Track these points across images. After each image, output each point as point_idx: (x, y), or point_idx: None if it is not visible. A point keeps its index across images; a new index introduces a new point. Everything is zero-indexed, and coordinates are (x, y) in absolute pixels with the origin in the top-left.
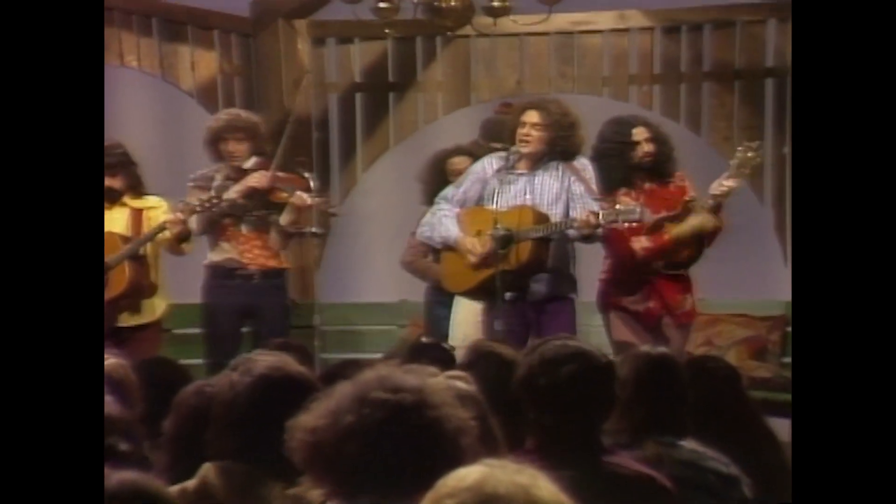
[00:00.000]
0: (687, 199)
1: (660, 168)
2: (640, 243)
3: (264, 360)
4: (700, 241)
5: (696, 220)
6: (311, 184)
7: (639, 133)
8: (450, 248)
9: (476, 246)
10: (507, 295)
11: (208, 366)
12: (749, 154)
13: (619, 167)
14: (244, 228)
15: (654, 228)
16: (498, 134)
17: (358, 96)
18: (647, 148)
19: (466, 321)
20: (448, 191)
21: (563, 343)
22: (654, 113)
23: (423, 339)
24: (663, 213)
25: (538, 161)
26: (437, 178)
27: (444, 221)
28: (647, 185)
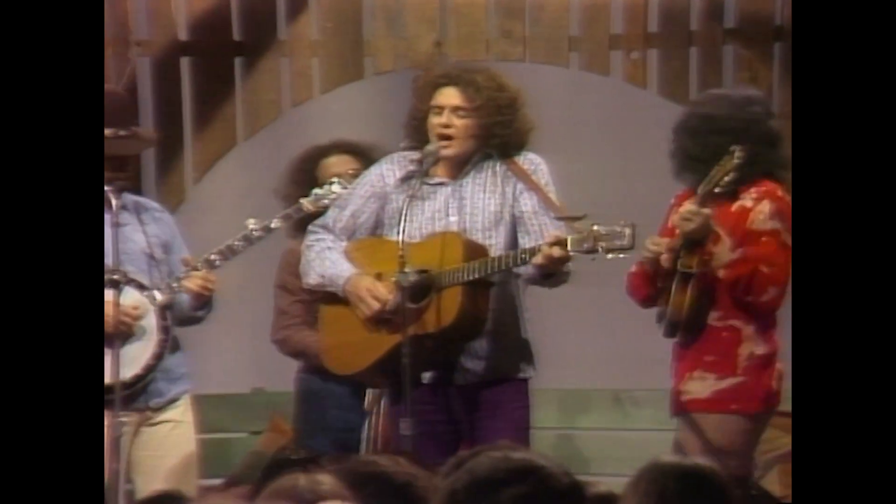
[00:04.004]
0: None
1: None
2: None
3: None
4: None
5: None
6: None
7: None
8: (333, 298)
9: (377, 284)
10: (426, 376)
11: None
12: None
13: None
14: None
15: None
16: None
17: (185, 63)
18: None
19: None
20: (328, 214)
21: (504, 455)
22: (649, 92)
23: (289, 453)
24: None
25: (464, 163)
26: (306, 191)
27: (325, 254)
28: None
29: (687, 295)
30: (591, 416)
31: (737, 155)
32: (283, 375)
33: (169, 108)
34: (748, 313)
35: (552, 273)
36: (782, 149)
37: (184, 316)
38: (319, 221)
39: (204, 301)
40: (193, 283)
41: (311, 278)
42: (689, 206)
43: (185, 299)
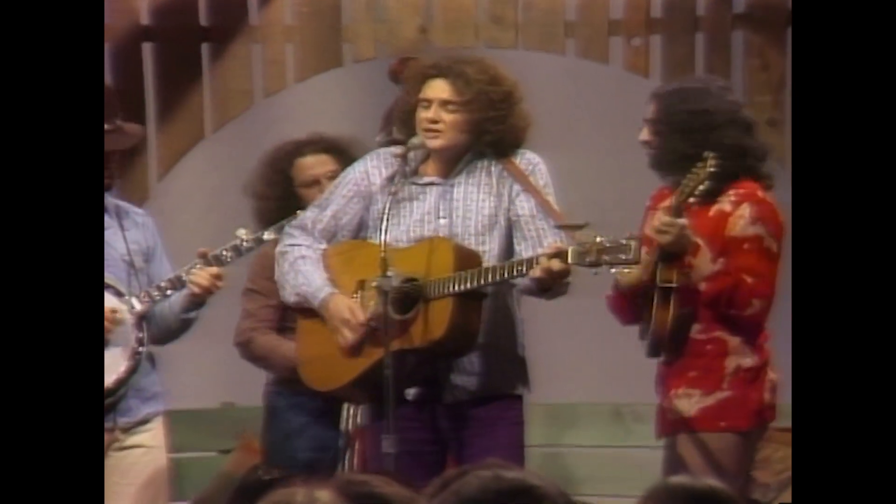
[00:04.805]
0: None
1: None
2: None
3: None
4: None
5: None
6: None
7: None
8: (308, 312)
9: (356, 312)
10: (410, 393)
11: None
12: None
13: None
14: None
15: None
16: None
17: (147, 49)
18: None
19: None
20: (306, 215)
21: (495, 475)
22: (652, 81)
23: (261, 474)
24: None
25: (456, 161)
26: (279, 190)
27: (299, 266)
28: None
29: (669, 311)
30: (590, 433)
31: (710, 163)
32: (256, 389)
33: (130, 99)
34: (733, 324)
35: (549, 286)
36: (757, 140)
37: (170, 323)
38: (297, 222)
39: (200, 301)
40: (202, 277)
41: (289, 295)
42: (663, 217)
43: (174, 301)
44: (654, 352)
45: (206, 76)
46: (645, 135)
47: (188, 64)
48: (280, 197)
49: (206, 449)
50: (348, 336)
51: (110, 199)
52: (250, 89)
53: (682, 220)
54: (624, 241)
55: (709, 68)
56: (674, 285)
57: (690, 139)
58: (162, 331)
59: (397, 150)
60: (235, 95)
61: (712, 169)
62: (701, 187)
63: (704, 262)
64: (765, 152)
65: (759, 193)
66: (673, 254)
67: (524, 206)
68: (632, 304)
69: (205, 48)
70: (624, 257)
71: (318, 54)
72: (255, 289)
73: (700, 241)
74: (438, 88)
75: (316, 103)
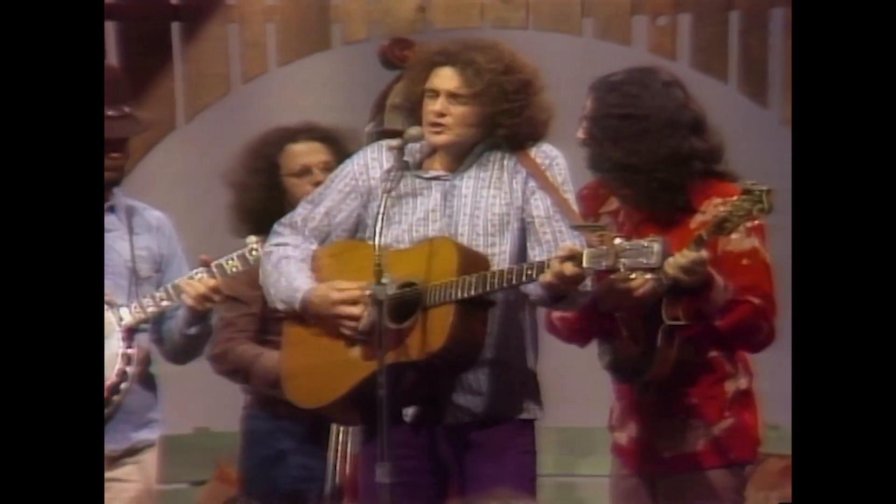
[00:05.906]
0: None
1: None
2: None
3: None
4: None
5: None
6: None
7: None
8: (297, 318)
9: (349, 292)
10: (408, 413)
11: None
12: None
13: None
14: None
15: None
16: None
17: (110, 29)
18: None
19: None
20: (297, 211)
21: None
22: (680, 65)
23: None
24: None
25: (465, 154)
26: (263, 179)
27: (282, 267)
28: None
29: (674, 351)
30: (608, 461)
31: (766, 200)
32: (233, 412)
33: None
34: (726, 342)
35: (564, 294)
36: (708, 139)
37: (175, 340)
38: (286, 219)
39: (199, 315)
40: (194, 287)
41: (275, 302)
42: (690, 253)
43: (180, 316)
44: (644, 389)
45: (177, 59)
46: (581, 133)
47: (157, 46)
48: (263, 187)
49: (178, 480)
50: (355, 311)
51: (122, 198)
52: (227, 74)
53: (706, 254)
54: (645, 244)
55: (744, 50)
56: (682, 323)
57: (622, 147)
58: (170, 350)
59: (393, 142)
60: (210, 81)
61: (767, 208)
62: (748, 224)
63: (719, 293)
64: (719, 152)
65: None
66: (689, 290)
67: (539, 205)
68: (598, 324)
69: (176, 28)
70: (645, 262)
71: (302, 35)
72: (235, 296)
73: (713, 270)
74: (446, 78)
75: (300, 90)
